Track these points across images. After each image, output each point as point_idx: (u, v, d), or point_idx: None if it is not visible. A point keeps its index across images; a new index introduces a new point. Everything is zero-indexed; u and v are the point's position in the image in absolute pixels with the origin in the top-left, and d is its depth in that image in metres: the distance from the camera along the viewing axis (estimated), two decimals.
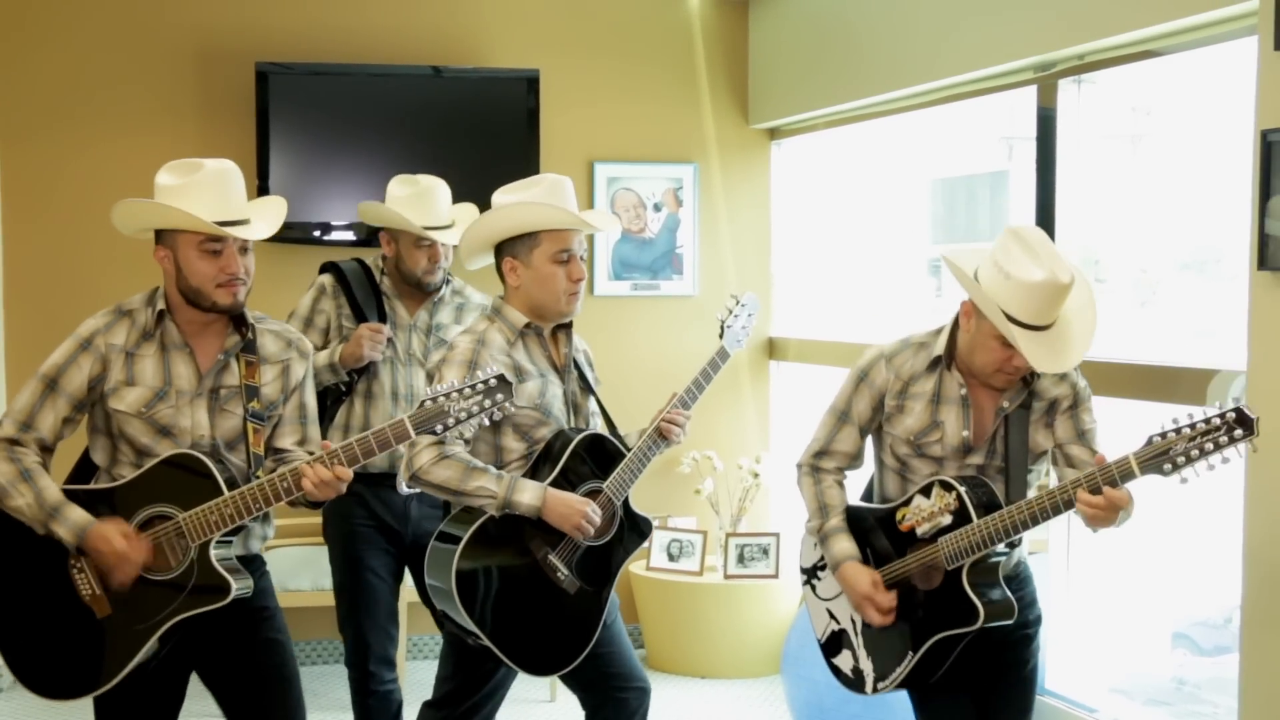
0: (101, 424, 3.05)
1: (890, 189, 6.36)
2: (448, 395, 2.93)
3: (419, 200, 4.05)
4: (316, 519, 5.61)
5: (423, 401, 2.95)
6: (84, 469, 3.13)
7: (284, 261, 5.44)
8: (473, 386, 2.94)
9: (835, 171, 6.30)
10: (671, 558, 5.80)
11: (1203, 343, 4.89)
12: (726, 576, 5.69)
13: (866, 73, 5.30)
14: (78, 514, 2.93)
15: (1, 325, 5.60)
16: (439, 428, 2.94)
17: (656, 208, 6.12)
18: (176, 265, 3.01)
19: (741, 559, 5.71)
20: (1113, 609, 4.84)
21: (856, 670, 3.30)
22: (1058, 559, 4.62)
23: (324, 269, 4.19)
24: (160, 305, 3.05)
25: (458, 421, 2.93)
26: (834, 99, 5.54)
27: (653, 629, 5.86)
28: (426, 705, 3.44)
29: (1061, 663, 4.63)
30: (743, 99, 6.22)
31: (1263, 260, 3.37)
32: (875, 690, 3.25)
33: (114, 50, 5.68)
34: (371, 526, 4.07)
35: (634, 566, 5.87)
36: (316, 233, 5.66)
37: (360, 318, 4.04)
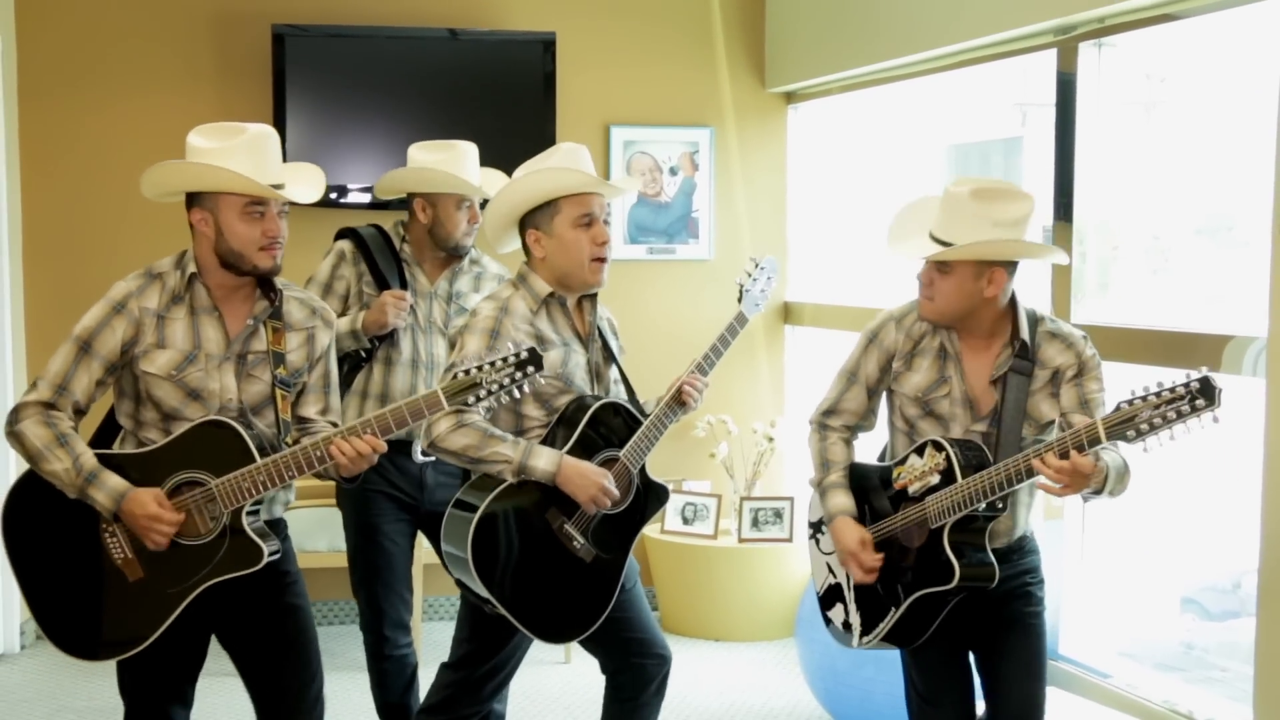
0: (129, 387, 3.06)
1: (906, 154, 6.34)
2: (480, 367, 2.95)
3: (460, 162, 4.04)
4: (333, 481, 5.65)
5: (455, 372, 2.97)
6: (107, 431, 3.14)
7: (297, 224, 5.41)
8: (504, 359, 2.96)
9: (851, 136, 6.28)
10: (686, 521, 5.83)
11: (1215, 309, 4.89)
12: (741, 540, 5.72)
13: (884, 36, 5.28)
14: (115, 480, 2.95)
15: (21, 276, 5.63)
16: (471, 399, 2.95)
17: (673, 171, 6.11)
18: (217, 228, 3.01)
19: (756, 522, 5.74)
20: (1122, 574, 4.87)
21: (847, 624, 3.38)
22: (1073, 525, 4.65)
23: (341, 234, 4.17)
24: (191, 269, 3.06)
25: (490, 393, 2.95)
26: (851, 62, 5.52)
27: (667, 592, 5.90)
28: (444, 666, 3.46)
29: (1074, 628, 4.66)
30: (759, 63, 6.20)
31: None
32: (861, 643, 3.33)
33: (131, 10, 5.68)
34: (386, 493, 4.06)
35: (649, 530, 5.90)
36: (333, 195, 5.66)
37: (382, 284, 4.02)
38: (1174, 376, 2.81)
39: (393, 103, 5.70)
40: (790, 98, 6.24)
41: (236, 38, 5.71)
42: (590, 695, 5.00)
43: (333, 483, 5.57)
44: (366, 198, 5.63)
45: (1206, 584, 5.09)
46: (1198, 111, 4.85)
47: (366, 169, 5.57)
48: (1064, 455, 2.89)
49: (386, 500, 4.07)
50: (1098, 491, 2.97)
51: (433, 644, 5.52)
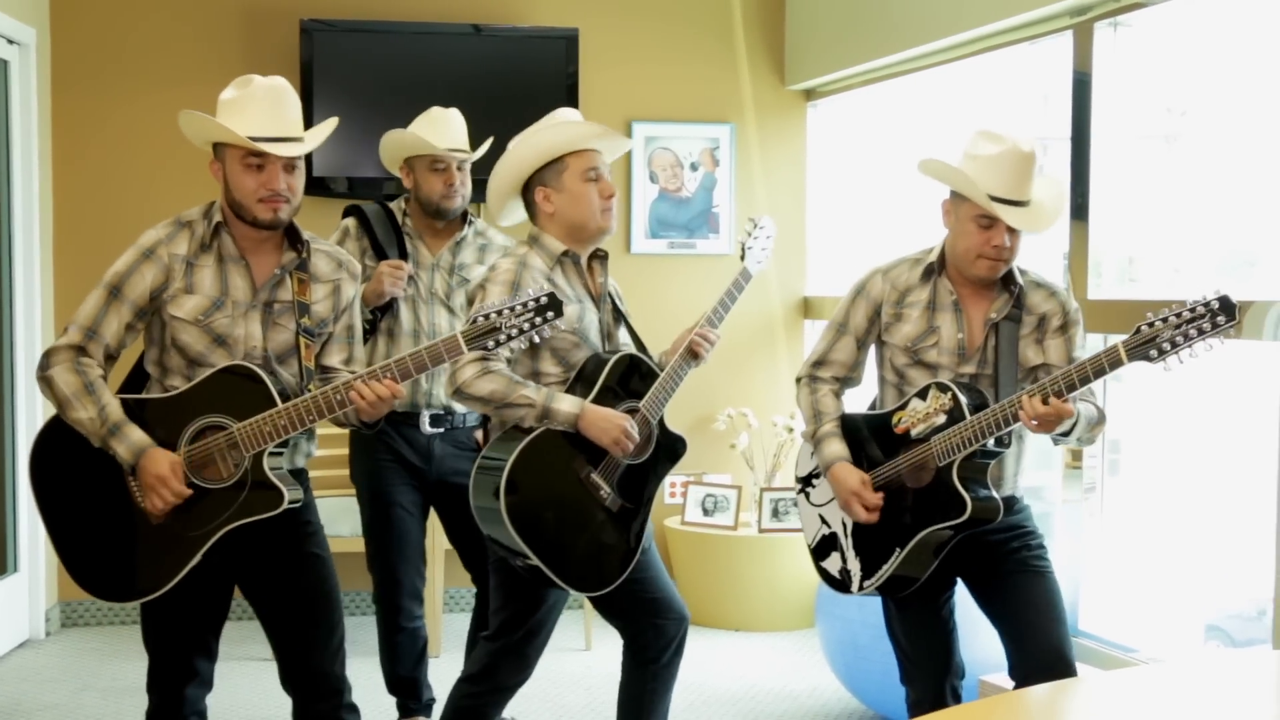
0: (156, 333, 3.10)
1: (925, 151, 6.36)
2: (499, 312, 2.98)
3: (433, 125, 4.16)
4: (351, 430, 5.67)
5: (474, 317, 3.00)
6: (136, 379, 3.18)
7: (325, 211, 5.50)
8: (524, 304, 2.99)
9: (870, 133, 6.33)
10: (706, 513, 5.85)
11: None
12: (761, 531, 5.74)
13: (901, 26, 5.33)
14: (137, 435, 2.99)
15: (51, 265, 5.72)
16: (490, 343, 2.99)
17: (693, 167, 6.17)
18: (225, 179, 3.08)
19: (776, 513, 5.75)
20: (1144, 601, 4.87)
21: (844, 571, 3.43)
22: (1091, 511, 4.65)
23: (347, 212, 4.25)
24: (217, 218, 3.11)
25: (509, 338, 2.98)
26: (869, 55, 5.57)
27: (688, 583, 5.90)
28: (484, 639, 3.47)
29: (1094, 604, 4.65)
30: (779, 60, 6.26)
31: None
32: (860, 589, 3.37)
33: (162, 4, 5.78)
34: (396, 464, 4.13)
35: (669, 521, 5.92)
36: (360, 187, 5.71)
37: (381, 256, 4.10)
38: (1188, 300, 2.88)
39: (417, 97, 5.68)
40: (809, 95, 6.30)
41: (265, 32, 5.80)
42: (609, 677, 4.98)
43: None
44: (392, 189, 5.68)
45: (1231, 611, 5.06)
46: (1219, 146, 4.84)
47: None
48: (1070, 387, 3.00)
49: (396, 472, 4.13)
50: (1065, 434, 3.10)
51: (454, 634, 5.53)
